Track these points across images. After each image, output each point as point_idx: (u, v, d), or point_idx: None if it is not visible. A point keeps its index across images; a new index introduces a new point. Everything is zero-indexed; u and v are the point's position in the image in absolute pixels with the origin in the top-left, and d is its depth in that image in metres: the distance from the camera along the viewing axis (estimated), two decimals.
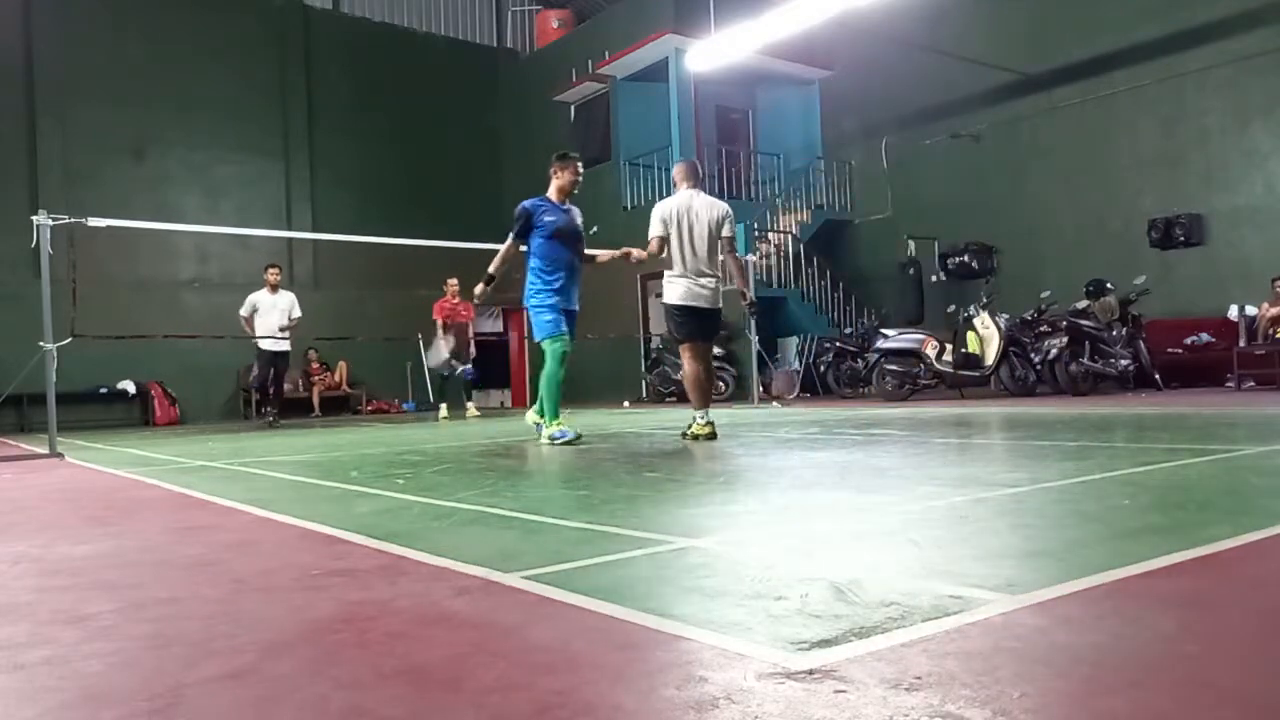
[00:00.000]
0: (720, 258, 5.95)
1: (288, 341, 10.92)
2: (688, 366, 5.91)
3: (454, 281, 11.81)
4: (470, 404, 11.98)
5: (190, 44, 14.90)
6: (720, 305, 5.96)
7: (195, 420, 14.07)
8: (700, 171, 6.29)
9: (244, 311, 10.69)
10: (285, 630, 1.60)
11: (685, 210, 5.84)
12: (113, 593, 1.97)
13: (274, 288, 10.83)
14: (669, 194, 15.75)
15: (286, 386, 14.72)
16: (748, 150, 16.76)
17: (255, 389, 12.31)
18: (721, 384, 12.86)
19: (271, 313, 10.69)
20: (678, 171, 6.21)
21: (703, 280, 5.80)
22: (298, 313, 10.92)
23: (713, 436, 5.54)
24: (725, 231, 5.92)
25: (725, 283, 6.08)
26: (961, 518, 2.41)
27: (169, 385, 14.06)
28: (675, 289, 5.82)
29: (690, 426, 5.69)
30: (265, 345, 10.71)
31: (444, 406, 11.71)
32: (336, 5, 16.90)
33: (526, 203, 5.96)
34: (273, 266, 11.07)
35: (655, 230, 5.84)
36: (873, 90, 14.97)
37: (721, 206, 6.02)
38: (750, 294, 6.48)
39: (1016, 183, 13.22)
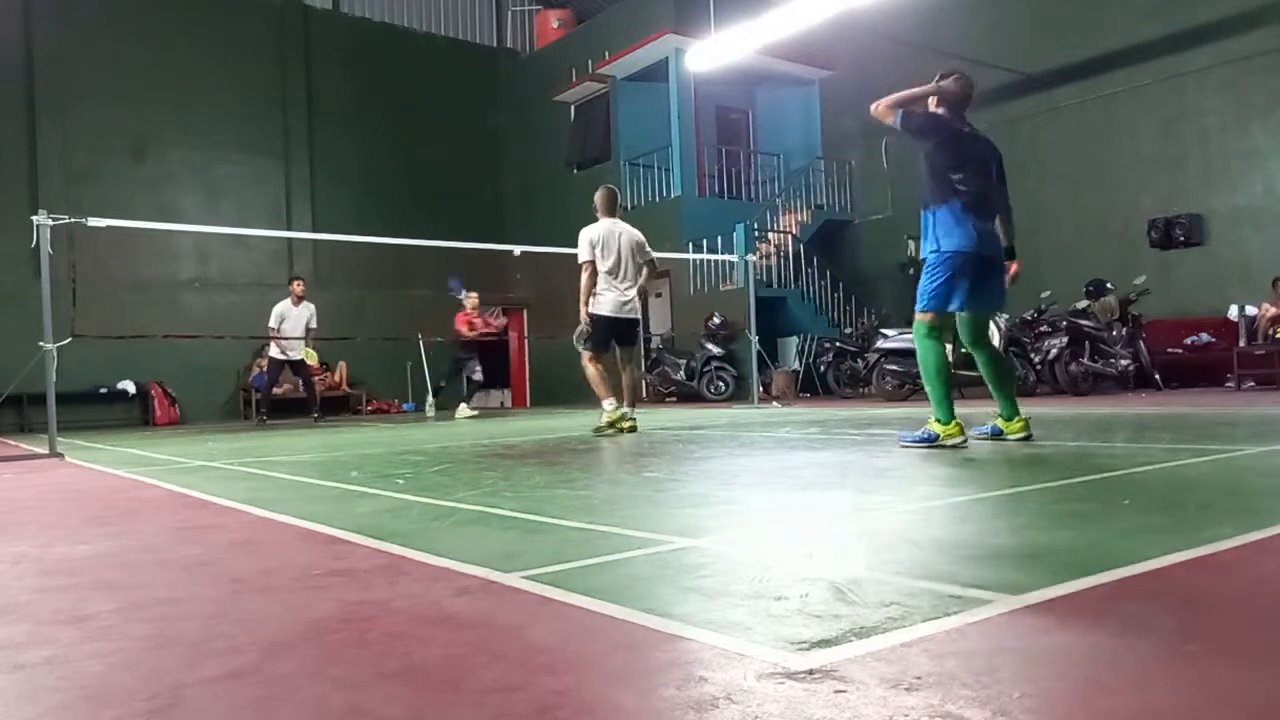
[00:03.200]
0: (641, 278, 6.79)
1: (305, 344, 11.27)
2: (591, 370, 6.65)
3: (475, 295, 12.16)
4: (465, 404, 12.04)
5: (190, 44, 14.91)
6: (639, 316, 6.81)
7: (195, 420, 14.07)
8: (619, 198, 6.95)
9: (273, 323, 11.09)
10: (285, 630, 1.60)
11: (609, 235, 6.61)
12: (113, 593, 1.97)
13: (299, 299, 11.16)
14: (669, 195, 15.86)
15: (286, 387, 14.81)
16: (748, 150, 16.77)
17: (258, 388, 12.46)
18: (721, 384, 12.88)
19: (295, 326, 11.08)
20: (599, 200, 6.78)
21: (627, 293, 6.63)
22: (314, 323, 11.28)
23: (635, 429, 6.41)
24: (646, 255, 6.79)
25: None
26: (961, 518, 2.41)
27: (169, 385, 14.07)
28: (604, 302, 6.58)
29: (604, 419, 6.46)
30: (282, 353, 11.15)
31: (461, 405, 11.83)
32: (336, 5, 16.90)
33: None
34: (298, 279, 11.44)
35: (584, 254, 6.57)
36: (873, 90, 14.74)
37: (638, 234, 6.81)
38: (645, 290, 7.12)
39: (1016, 183, 13.07)
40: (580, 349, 6.73)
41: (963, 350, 8.01)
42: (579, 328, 6.68)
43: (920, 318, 4.37)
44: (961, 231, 4.24)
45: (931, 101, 4.53)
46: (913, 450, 4.27)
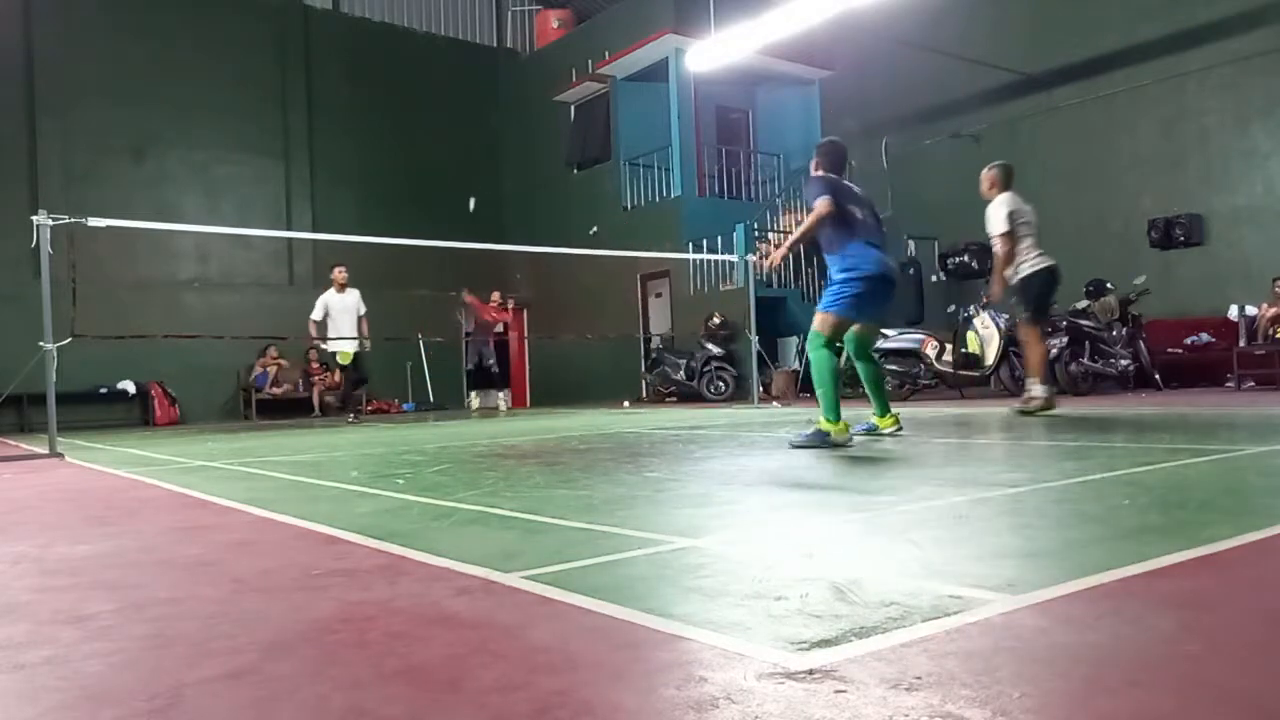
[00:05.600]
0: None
1: (358, 341, 10.81)
2: (1032, 340, 6.82)
3: (497, 294, 12.48)
4: (472, 395, 12.28)
5: (190, 44, 14.91)
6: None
7: (195, 420, 14.07)
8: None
9: (316, 315, 10.66)
10: (285, 630, 1.60)
11: (1020, 207, 6.76)
12: (113, 593, 1.97)
13: (342, 287, 10.75)
14: (669, 195, 15.86)
15: (286, 386, 14.85)
16: (748, 150, 16.77)
17: (259, 388, 12.45)
18: (721, 384, 12.88)
19: (342, 314, 10.62)
20: (1000, 177, 6.87)
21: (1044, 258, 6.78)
22: (363, 309, 10.85)
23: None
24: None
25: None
26: (961, 518, 2.41)
27: (169, 385, 14.06)
28: (1036, 261, 6.68)
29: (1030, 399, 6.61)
30: (336, 348, 10.69)
31: (474, 397, 12.06)
32: (336, 5, 16.90)
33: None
34: (340, 265, 10.92)
35: (1003, 226, 6.61)
36: (873, 90, 14.97)
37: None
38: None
39: (1017, 183, 13.17)
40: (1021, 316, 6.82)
41: (962, 349, 8.25)
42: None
43: (820, 325, 4.76)
44: (870, 257, 4.80)
45: (814, 168, 5.13)
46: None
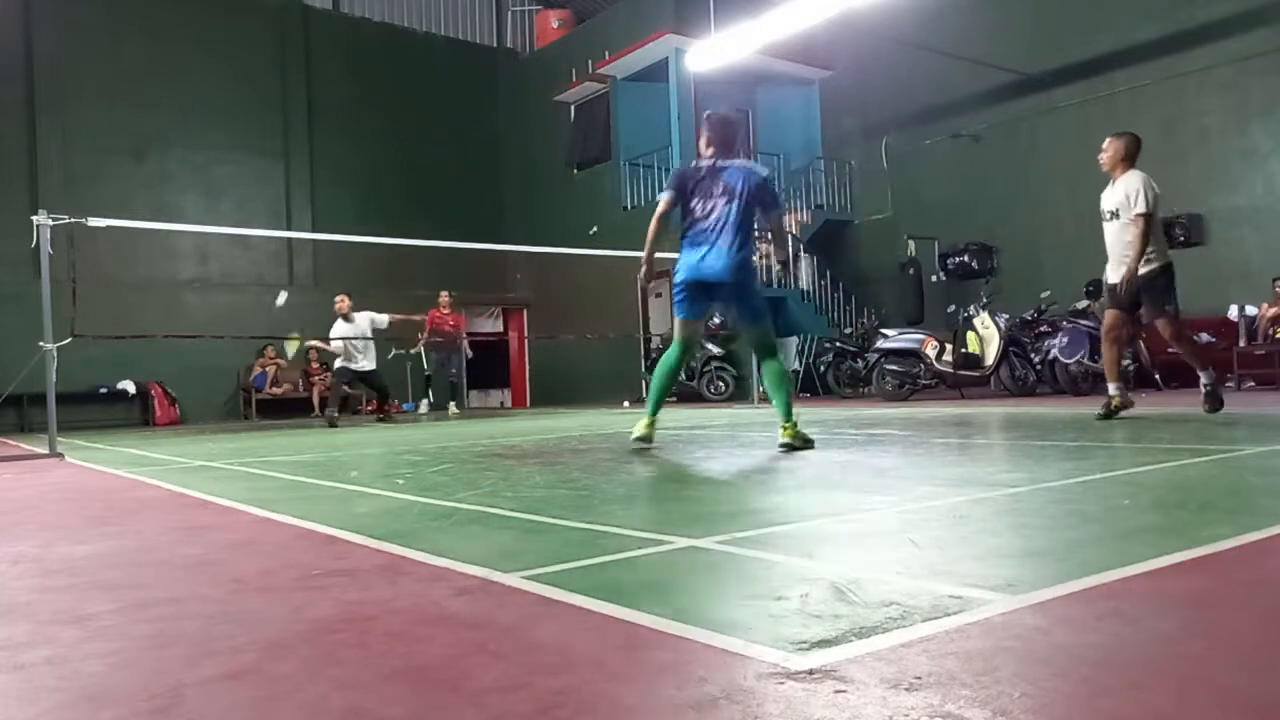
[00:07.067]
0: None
1: (370, 362, 10.81)
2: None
3: (446, 294, 12.29)
4: (452, 404, 12.33)
5: (190, 44, 14.92)
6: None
7: (195, 420, 14.07)
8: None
9: (332, 346, 10.78)
10: (285, 630, 1.60)
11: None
12: (113, 593, 1.97)
13: (346, 315, 10.71)
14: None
15: (285, 386, 14.88)
16: (748, 150, 16.76)
17: (258, 389, 12.48)
18: (721, 384, 12.88)
19: (352, 338, 10.64)
20: (1134, 147, 6.08)
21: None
22: (382, 320, 10.84)
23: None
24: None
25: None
26: (961, 518, 2.41)
27: (169, 385, 14.07)
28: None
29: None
30: (348, 365, 10.75)
31: (424, 403, 12.12)
32: (336, 5, 16.90)
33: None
34: (341, 295, 10.82)
35: (1147, 205, 5.90)
36: (873, 90, 14.97)
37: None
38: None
39: (1016, 183, 13.22)
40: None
41: (962, 349, 7.72)
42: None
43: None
44: (683, 261, 4.91)
45: (701, 145, 5.07)
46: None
